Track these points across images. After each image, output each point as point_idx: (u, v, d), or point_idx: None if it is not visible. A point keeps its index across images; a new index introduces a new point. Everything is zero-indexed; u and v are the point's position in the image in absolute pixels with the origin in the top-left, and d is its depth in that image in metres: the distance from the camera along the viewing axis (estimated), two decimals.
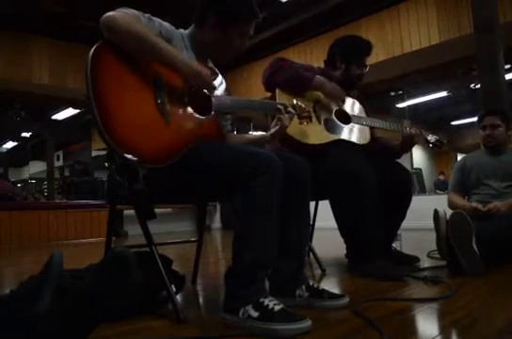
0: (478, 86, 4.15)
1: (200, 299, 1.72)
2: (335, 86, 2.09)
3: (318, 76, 2.04)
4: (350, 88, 2.27)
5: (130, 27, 1.29)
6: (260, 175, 1.23)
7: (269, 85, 2.01)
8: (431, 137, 2.30)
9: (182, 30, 1.58)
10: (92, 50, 1.27)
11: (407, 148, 2.26)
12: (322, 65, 2.32)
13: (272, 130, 1.67)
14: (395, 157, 2.31)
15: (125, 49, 1.32)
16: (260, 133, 1.75)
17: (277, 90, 1.97)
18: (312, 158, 1.78)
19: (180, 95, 1.41)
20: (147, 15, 1.43)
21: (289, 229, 1.45)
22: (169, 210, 6.73)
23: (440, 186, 9.26)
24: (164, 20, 1.49)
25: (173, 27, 1.52)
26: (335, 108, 2.11)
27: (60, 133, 9.92)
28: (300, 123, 1.77)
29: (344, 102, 2.16)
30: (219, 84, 1.62)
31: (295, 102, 1.75)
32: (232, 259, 1.27)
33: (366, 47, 2.20)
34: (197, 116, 1.44)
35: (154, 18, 1.45)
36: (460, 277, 1.79)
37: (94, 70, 1.24)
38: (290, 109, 1.63)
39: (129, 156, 1.22)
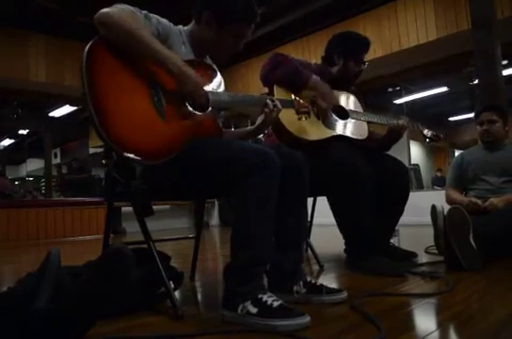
0: (476, 82, 4.15)
1: (199, 296, 1.72)
2: (330, 90, 2.02)
3: (315, 77, 2.00)
4: (347, 84, 2.26)
5: (124, 25, 1.28)
6: (257, 171, 1.23)
7: (267, 80, 2.00)
8: (428, 132, 2.30)
9: (181, 26, 1.57)
10: (87, 47, 1.25)
11: (392, 140, 2.26)
12: (319, 62, 2.31)
13: (257, 123, 1.64)
14: (384, 150, 2.31)
15: (119, 46, 1.31)
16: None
17: (274, 86, 1.97)
18: (311, 154, 1.78)
19: (176, 92, 1.40)
20: (144, 12, 1.41)
21: (287, 224, 1.45)
22: (167, 207, 6.73)
23: (438, 183, 9.29)
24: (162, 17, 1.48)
25: (171, 24, 1.51)
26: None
27: (58, 130, 9.90)
28: (299, 119, 1.77)
29: (334, 107, 2.07)
30: (218, 83, 1.61)
31: (293, 97, 1.75)
32: (231, 255, 1.27)
33: (364, 43, 2.20)
34: (194, 112, 1.44)
35: (151, 15, 1.43)
36: (458, 272, 1.80)
37: (89, 67, 1.23)
38: (277, 103, 1.59)
39: (126, 154, 1.22)
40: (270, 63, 2.01)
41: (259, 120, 1.61)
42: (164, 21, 1.47)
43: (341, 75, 2.21)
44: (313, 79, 1.98)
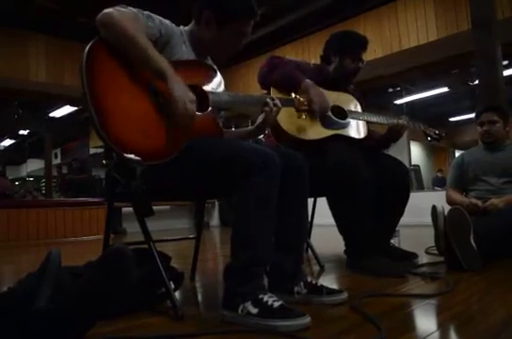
0: (476, 82, 4.16)
1: (199, 296, 1.72)
2: (322, 96, 1.95)
3: (307, 81, 1.96)
4: (345, 82, 2.26)
5: (124, 28, 1.27)
6: (258, 171, 1.23)
7: (264, 83, 2.01)
8: (430, 131, 2.30)
9: (182, 27, 1.57)
10: (88, 47, 1.26)
11: (391, 139, 2.25)
12: (319, 61, 2.32)
13: (257, 123, 1.63)
14: (383, 148, 2.32)
15: (117, 47, 1.31)
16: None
17: (271, 89, 1.97)
18: (309, 155, 1.78)
19: None
20: (146, 13, 1.41)
21: (288, 225, 1.45)
22: (168, 207, 6.73)
23: (439, 184, 9.29)
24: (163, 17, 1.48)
25: (174, 25, 1.51)
26: (331, 104, 2.11)
27: (58, 130, 9.90)
28: (299, 117, 1.77)
29: (326, 112, 2.00)
30: (218, 83, 1.61)
31: (293, 95, 1.75)
32: (231, 255, 1.27)
33: (360, 40, 2.20)
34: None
35: (154, 15, 1.43)
36: (458, 273, 1.79)
37: (89, 67, 1.23)
38: (277, 102, 1.58)
39: (126, 154, 1.22)
40: (267, 65, 2.02)
41: (259, 119, 1.61)
42: (166, 22, 1.47)
43: (337, 73, 2.21)
44: (305, 83, 1.95)
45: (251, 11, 1.51)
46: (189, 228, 7.08)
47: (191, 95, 1.30)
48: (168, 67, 1.29)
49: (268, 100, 1.57)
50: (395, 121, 2.21)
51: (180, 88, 1.28)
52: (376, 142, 2.27)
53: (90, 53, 1.25)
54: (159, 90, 1.33)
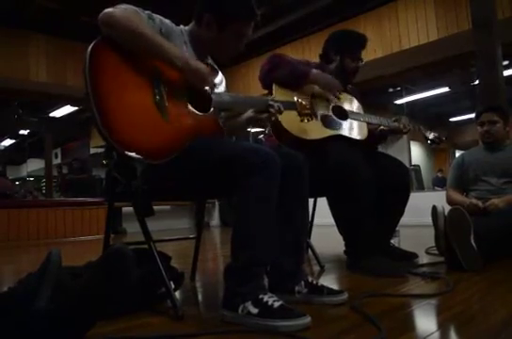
0: (477, 82, 4.15)
1: (199, 296, 1.72)
2: (331, 77, 2.06)
3: (314, 70, 2.03)
4: (345, 82, 2.27)
5: (129, 24, 1.28)
6: (258, 171, 1.23)
7: (266, 81, 2.01)
8: (430, 134, 2.30)
9: (182, 27, 1.57)
10: (90, 47, 1.26)
11: (387, 136, 2.31)
12: (318, 61, 2.32)
13: (248, 115, 1.64)
14: (378, 143, 2.35)
15: (124, 46, 1.32)
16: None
17: (273, 86, 1.97)
18: (310, 155, 1.78)
19: (179, 92, 1.41)
20: (147, 12, 1.42)
21: (288, 224, 1.45)
22: (168, 207, 6.73)
23: (439, 184, 9.28)
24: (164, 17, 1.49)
25: (173, 24, 1.52)
26: (332, 104, 2.12)
27: (58, 130, 9.91)
28: (301, 121, 1.77)
29: (340, 92, 2.11)
30: (220, 81, 1.61)
31: (295, 98, 1.75)
32: (231, 256, 1.27)
33: (360, 39, 2.21)
34: (196, 112, 1.44)
35: (155, 15, 1.44)
36: (458, 273, 1.79)
37: (92, 67, 1.24)
38: (279, 105, 1.60)
39: (128, 153, 1.22)
40: (269, 64, 2.02)
41: (249, 112, 1.62)
42: (167, 21, 1.48)
43: (338, 72, 2.21)
44: (313, 73, 2.00)
45: (252, 13, 1.51)
46: (189, 228, 7.08)
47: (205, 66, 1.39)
48: (179, 51, 1.35)
49: (272, 102, 1.59)
50: (396, 123, 2.22)
51: (195, 61, 1.36)
52: (374, 138, 2.29)
53: (93, 53, 1.26)
54: (163, 84, 1.36)
